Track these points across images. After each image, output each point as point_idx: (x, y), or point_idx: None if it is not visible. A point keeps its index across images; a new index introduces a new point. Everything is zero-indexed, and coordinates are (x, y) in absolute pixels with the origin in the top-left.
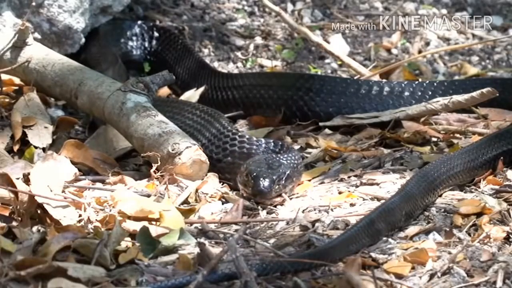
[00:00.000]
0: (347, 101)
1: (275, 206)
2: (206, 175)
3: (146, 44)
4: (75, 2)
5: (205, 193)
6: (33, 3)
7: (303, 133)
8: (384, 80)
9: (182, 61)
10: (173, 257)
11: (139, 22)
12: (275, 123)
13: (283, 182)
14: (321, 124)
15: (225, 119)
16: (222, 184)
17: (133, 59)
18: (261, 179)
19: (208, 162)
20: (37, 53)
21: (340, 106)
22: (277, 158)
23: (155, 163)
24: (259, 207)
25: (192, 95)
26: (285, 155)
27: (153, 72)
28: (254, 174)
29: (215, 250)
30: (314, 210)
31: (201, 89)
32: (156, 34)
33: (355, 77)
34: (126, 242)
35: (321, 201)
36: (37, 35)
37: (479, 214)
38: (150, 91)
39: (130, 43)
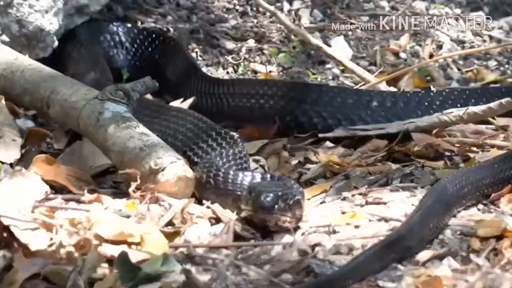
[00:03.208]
0: (348, 113)
1: (275, 230)
2: (192, 193)
3: (129, 48)
4: (48, 2)
5: (191, 214)
6: (1, 3)
7: (301, 146)
8: (388, 90)
9: (170, 64)
10: (155, 285)
11: (120, 23)
12: (270, 135)
13: (289, 202)
14: (320, 135)
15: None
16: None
17: (115, 66)
18: (264, 193)
19: (194, 179)
20: (5, 57)
21: (342, 118)
22: (286, 182)
23: (133, 181)
24: (257, 234)
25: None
26: (290, 183)
27: (136, 79)
28: (257, 189)
29: (203, 277)
30: (314, 232)
31: (190, 100)
32: (140, 36)
33: (359, 85)
34: (103, 269)
35: (322, 222)
36: (5, 37)
37: (499, 237)
38: (130, 99)
39: (112, 47)
